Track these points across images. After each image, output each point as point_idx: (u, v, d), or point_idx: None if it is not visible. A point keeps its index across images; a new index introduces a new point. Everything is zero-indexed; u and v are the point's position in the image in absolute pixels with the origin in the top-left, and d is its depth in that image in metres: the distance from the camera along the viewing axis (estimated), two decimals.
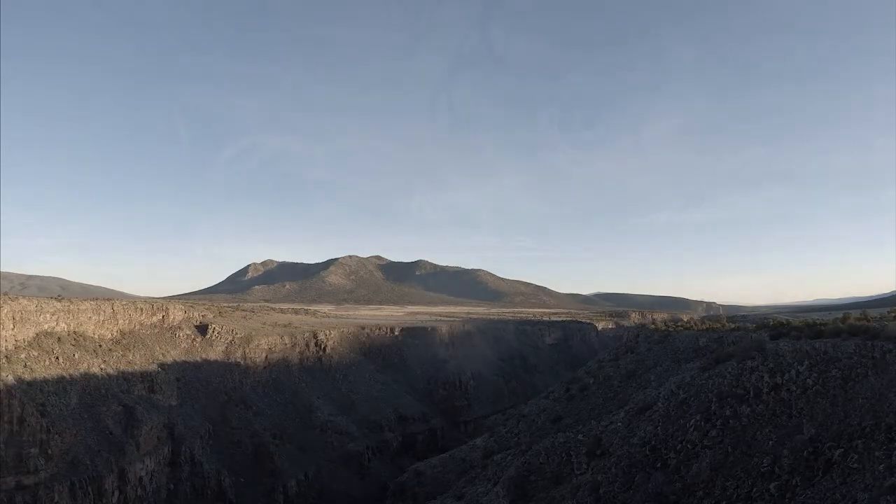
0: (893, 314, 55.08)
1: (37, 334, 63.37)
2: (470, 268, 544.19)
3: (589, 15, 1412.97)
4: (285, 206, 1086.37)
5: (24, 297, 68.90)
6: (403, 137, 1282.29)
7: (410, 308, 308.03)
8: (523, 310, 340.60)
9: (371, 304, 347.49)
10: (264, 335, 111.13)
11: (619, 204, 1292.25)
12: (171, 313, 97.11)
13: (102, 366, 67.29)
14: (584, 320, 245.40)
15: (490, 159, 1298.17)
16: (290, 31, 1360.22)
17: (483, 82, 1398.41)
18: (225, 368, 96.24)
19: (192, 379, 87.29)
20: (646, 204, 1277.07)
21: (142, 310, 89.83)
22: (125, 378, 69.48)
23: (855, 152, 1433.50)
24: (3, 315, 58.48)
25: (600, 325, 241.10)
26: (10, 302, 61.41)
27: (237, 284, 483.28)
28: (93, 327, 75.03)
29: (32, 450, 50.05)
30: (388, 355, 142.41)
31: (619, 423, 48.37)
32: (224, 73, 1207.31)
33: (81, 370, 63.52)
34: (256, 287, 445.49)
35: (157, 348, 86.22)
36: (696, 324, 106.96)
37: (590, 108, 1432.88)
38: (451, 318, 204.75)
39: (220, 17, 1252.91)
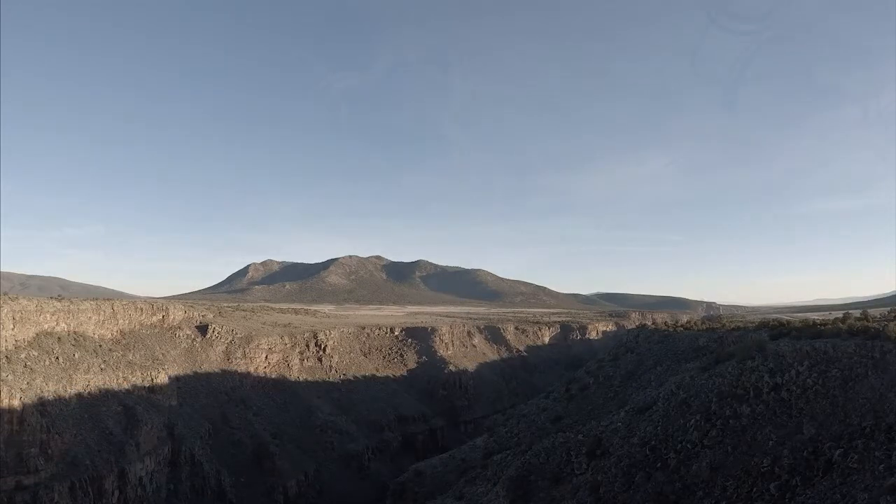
0: (893, 314, 55.19)
1: (37, 334, 63.34)
2: (470, 268, 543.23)
3: None
4: (286, 205, 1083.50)
5: (24, 297, 68.89)
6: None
7: (411, 308, 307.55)
8: (523, 310, 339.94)
9: (371, 304, 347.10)
10: (264, 335, 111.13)
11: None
12: (171, 313, 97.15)
13: (102, 366, 67.24)
14: (584, 320, 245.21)
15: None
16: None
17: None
18: (225, 368, 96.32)
19: (192, 379, 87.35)
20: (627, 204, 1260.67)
21: (142, 310, 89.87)
22: (125, 378, 69.47)
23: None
24: (3, 315, 58.45)
25: (600, 326, 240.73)
26: (10, 302, 61.38)
27: (237, 284, 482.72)
28: (93, 327, 75.03)
29: (32, 450, 50.06)
30: (388, 355, 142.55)
31: (619, 423, 48.36)
32: (223, 74, 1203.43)
33: (81, 370, 63.51)
34: (256, 287, 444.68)
35: (158, 348, 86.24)
36: (696, 324, 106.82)
37: None
38: (451, 318, 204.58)
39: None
